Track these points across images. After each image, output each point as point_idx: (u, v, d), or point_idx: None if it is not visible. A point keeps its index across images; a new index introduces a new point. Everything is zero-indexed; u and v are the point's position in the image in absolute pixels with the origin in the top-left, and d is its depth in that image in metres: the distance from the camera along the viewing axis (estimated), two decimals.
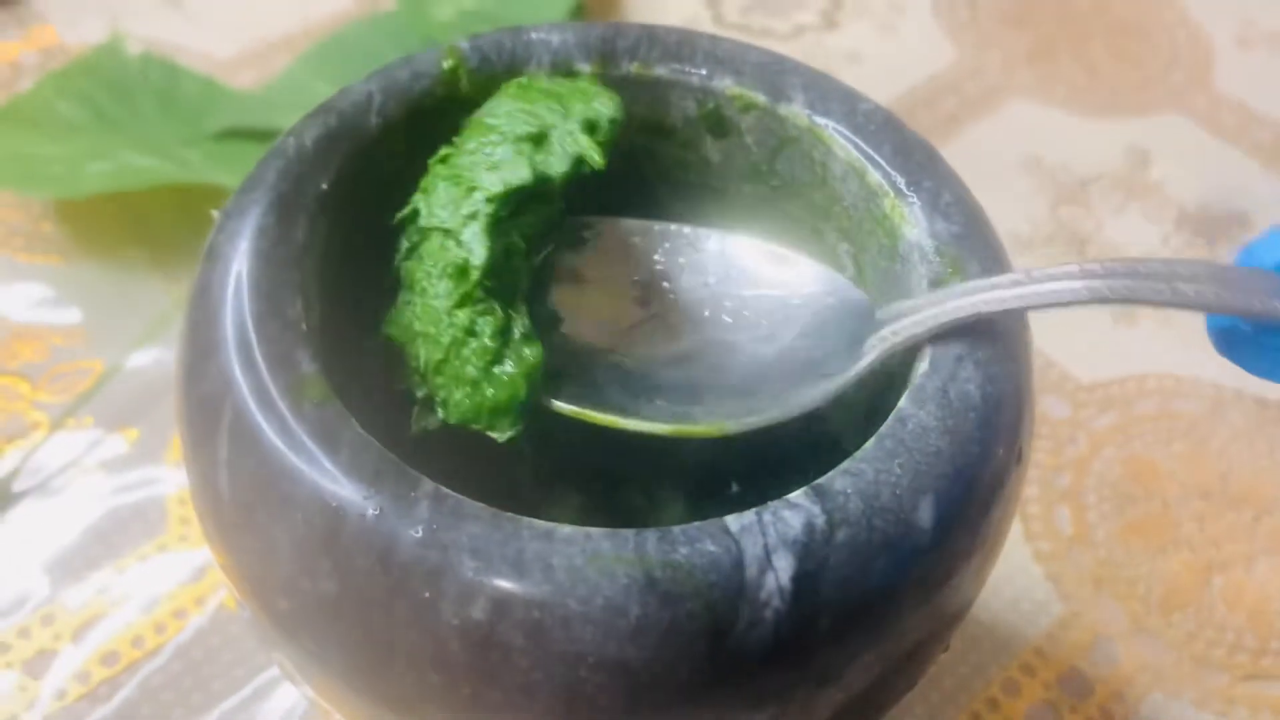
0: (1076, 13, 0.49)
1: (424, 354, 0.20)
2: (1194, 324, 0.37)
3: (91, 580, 0.30)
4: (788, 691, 0.16)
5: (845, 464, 0.17)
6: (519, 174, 0.20)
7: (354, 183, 0.21)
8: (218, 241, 0.19)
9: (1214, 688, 0.30)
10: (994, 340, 0.19)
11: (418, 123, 0.21)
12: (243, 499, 0.17)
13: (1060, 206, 0.41)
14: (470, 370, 0.20)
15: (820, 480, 0.17)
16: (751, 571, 0.16)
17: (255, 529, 0.17)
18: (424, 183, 0.21)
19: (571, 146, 0.21)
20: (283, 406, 0.17)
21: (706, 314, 0.22)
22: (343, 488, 0.16)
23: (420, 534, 0.16)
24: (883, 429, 0.17)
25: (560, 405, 0.20)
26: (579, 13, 0.45)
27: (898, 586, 0.17)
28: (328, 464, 0.16)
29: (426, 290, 0.20)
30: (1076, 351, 0.37)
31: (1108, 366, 0.36)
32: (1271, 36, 0.48)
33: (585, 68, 0.23)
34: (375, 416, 0.19)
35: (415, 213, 0.21)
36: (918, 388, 0.18)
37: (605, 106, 0.21)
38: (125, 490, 0.32)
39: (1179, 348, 0.37)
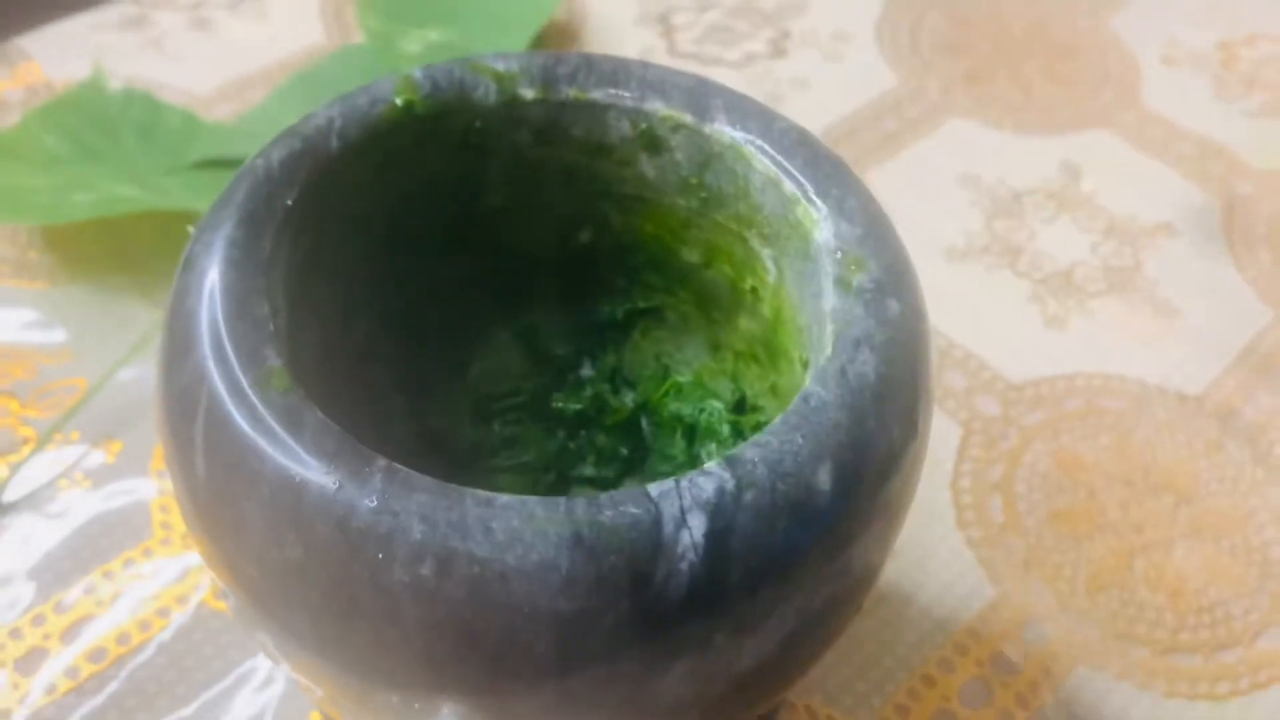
0: (1012, 38, 0.52)
1: None
2: (1121, 325, 0.40)
3: (80, 584, 0.32)
4: (705, 639, 0.18)
5: (755, 437, 0.19)
6: None
7: (317, 199, 0.23)
8: (194, 252, 0.21)
9: (1135, 661, 0.32)
10: (892, 328, 0.21)
11: (375, 143, 0.24)
12: (217, 479, 0.19)
13: (995, 219, 0.44)
14: None
15: (732, 452, 0.19)
16: (668, 529, 0.18)
17: (228, 506, 0.19)
18: None
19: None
20: (252, 395, 0.19)
21: None
22: (305, 464, 0.18)
23: (374, 503, 0.18)
24: (790, 407, 0.20)
25: None
26: (539, 44, 0.48)
27: (801, 543, 0.19)
28: (292, 444, 0.18)
29: None
30: (1008, 354, 0.39)
31: (1038, 367, 0.39)
32: (1194, 55, 0.51)
33: (529, 93, 0.25)
34: (342, 415, 0.21)
35: None
36: (821, 370, 0.20)
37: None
38: (110, 499, 0.34)
39: (1106, 349, 0.40)
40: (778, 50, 0.50)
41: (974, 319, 0.40)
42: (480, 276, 0.28)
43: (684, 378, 0.29)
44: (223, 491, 0.19)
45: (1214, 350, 0.40)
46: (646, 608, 0.18)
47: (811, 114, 0.47)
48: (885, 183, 0.45)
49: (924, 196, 0.44)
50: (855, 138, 0.46)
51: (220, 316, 0.20)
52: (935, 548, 0.34)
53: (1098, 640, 0.32)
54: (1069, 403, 0.38)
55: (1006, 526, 0.35)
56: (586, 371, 0.29)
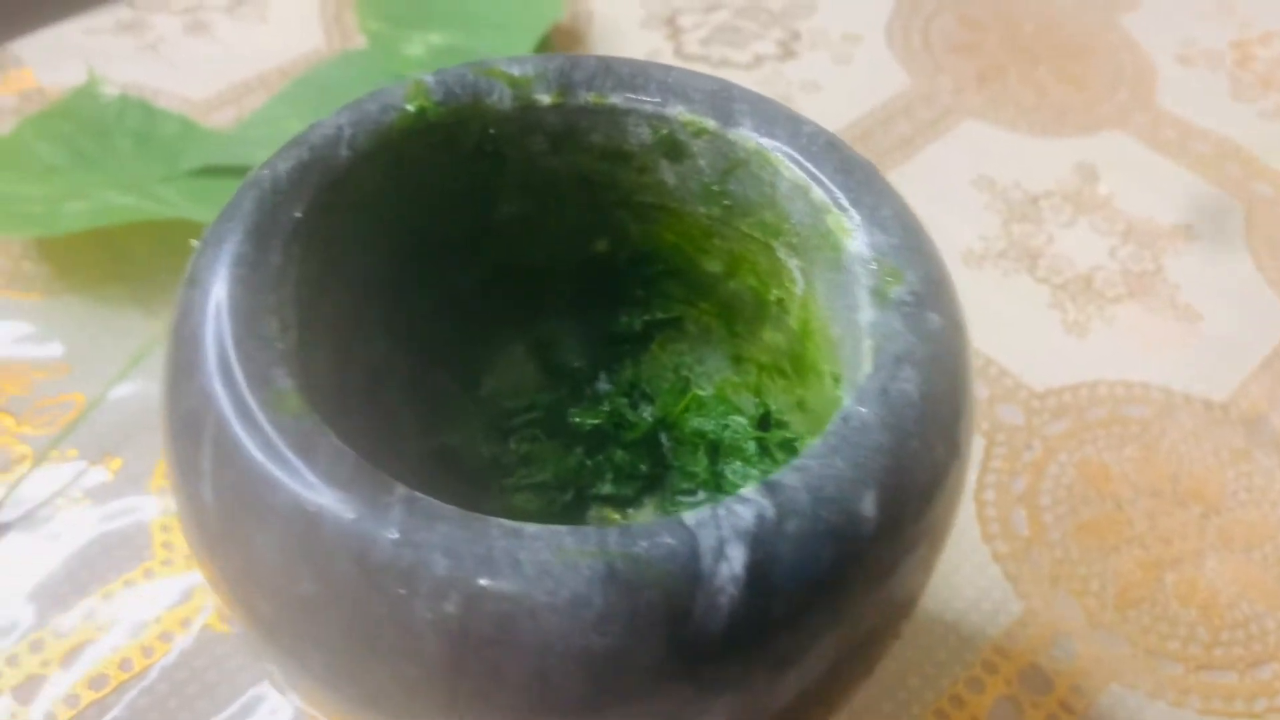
0: (1023, 38, 0.51)
1: None
2: (1143, 331, 0.39)
3: (79, 607, 0.31)
4: (745, 676, 0.17)
5: (794, 461, 0.18)
6: None
7: (326, 210, 0.22)
8: (197, 268, 0.20)
9: (1168, 678, 0.31)
10: (933, 343, 0.20)
11: (386, 152, 0.23)
12: (226, 509, 0.18)
13: (1012, 223, 0.43)
14: None
15: (771, 477, 0.18)
16: (706, 561, 0.17)
17: (238, 537, 0.18)
18: None
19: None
20: (262, 420, 0.18)
21: None
22: (320, 494, 0.17)
23: (395, 535, 0.17)
24: (829, 428, 0.19)
25: None
26: (545, 47, 0.47)
27: (845, 573, 0.18)
28: (306, 473, 0.17)
29: None
30: (1030, 361, 0.38)
31: (1060, 375, 0.38)
32: (1209, 54, 0.50)
33: (545, 98, 0.24)
34: (355, 434, 0.20)
35: None
36: (861, 388, 0.19)
37: None
38: (110, 518, 0.33)
39: (1129, 355, 0.39)
40: (787, 51, 0.49)
41: (993, 325, 0.39)
42: (494, 288, 0.27)
43: (705, 391, 0.28)
44: (232, 523, 0.18)
45: (1238, 356, 0.39)
46: (684, 645, 0.17)
47: (822, 117, 0.45)
48: (899, 186, 0.43)
49: (939, 200, 0.43)
50: (867, 141, 0.45)
51: (227, 336, 0.19)
52: (960, 562, 0.33)
53: (1129, 657, 0.32)
54: (1092, 411, 0.37)
55: (1032, 540, 0.34)
56: (603, 385, 0.28)
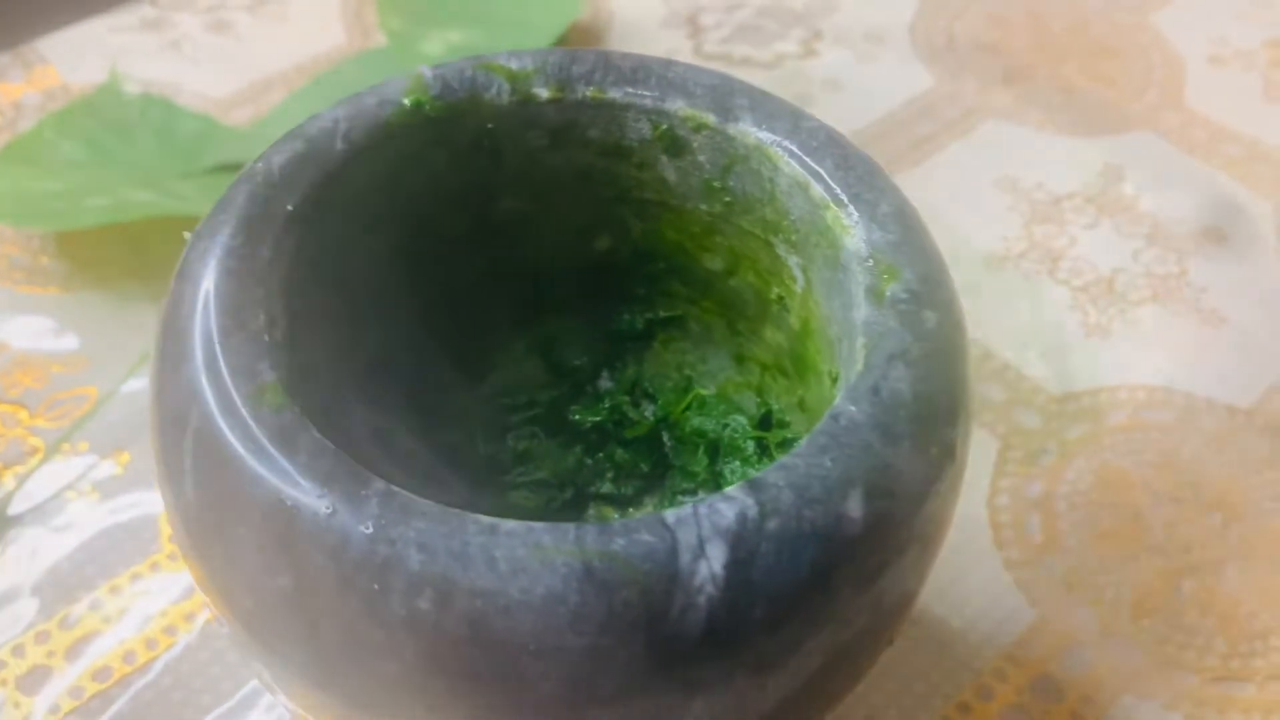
0: (1052, 36, 0.50)
1: None
2: (1166, 335, 0.38)
3: (85, 599, 0.31)
4: (724, 678, 0.17)
5: (781, 459, 0.18)
6: None
7: (320, 203, 0.22)
8: (188, 260, 0.20)
9: (1184, 690, 0.30)
10: (929, 341, 0.19)
11: (383, 146, 0.23)
12: (207, 502, 0.18)
13: (1034, 224, 0.42)
14: None
15: (756, 475, 0.18)
16: (685, 559, 0.16)
17: (219, 531, 0.18)
18: None
19: None
20: (244, 413, 0.18)
21: None
22: (299, 488, 0.17)
23: (370, 530, 0.17)
24: (818, 426, 0.18)
25: None
26: (564, 45, 0.46)
27: (830, 575, 0.17)
28: (285, 465, 0.17)
29: None
30: (1048, 364, 0.37)
31: (1079, 379, 0.37)
32: (1243, 54, 0.49)
33: (543, 93, 0.24)
34: (350, 434, 0.20)
35: None
36: (852, 386, 0.19)
37: None
38: (118, 512, 0.33)
39: (1151, 360, 0.38)
40: (809, 50, 0.49)
41: (1012, 327, 0.38)
42: (495, 285, 0.27)
43: (707, 391, 0.27)
44: (213, 516, 0.18)
45: (1264, 361, 0.38)
46: (661, 644, 0.16)
47: (843, 116, 0.45)
48: (920, 186, 0.43)
49: (960, 200, 0.43)
50: (889, 140, 0.45)
51: (214, 329, 0.19)
52: (971, 568, 0.32)
53: (1144, 667, 0.31)
54: (1112, 416, 0.36)
55: (1046, 546, 0.33)
56: (605, 383, 0.28)
